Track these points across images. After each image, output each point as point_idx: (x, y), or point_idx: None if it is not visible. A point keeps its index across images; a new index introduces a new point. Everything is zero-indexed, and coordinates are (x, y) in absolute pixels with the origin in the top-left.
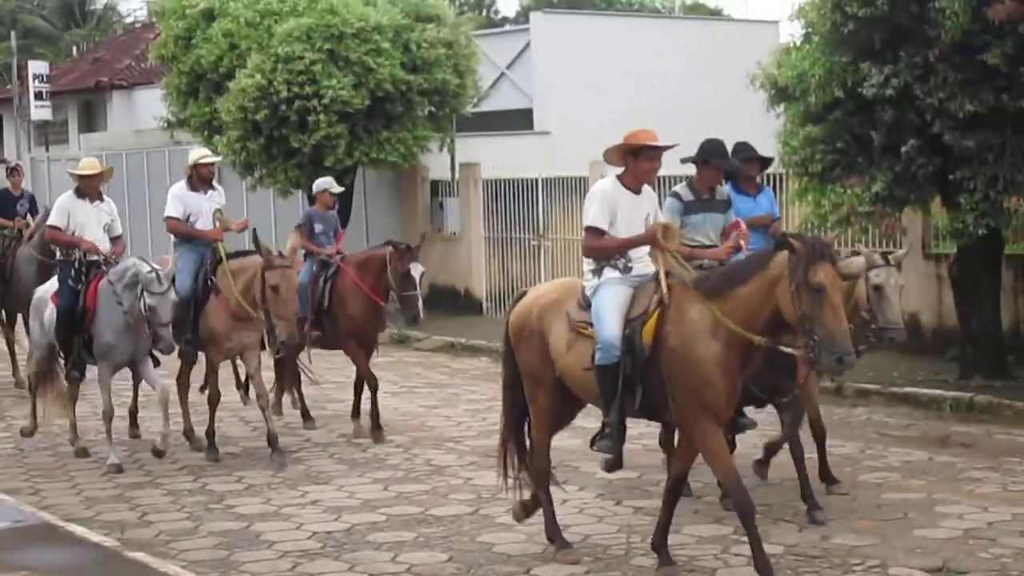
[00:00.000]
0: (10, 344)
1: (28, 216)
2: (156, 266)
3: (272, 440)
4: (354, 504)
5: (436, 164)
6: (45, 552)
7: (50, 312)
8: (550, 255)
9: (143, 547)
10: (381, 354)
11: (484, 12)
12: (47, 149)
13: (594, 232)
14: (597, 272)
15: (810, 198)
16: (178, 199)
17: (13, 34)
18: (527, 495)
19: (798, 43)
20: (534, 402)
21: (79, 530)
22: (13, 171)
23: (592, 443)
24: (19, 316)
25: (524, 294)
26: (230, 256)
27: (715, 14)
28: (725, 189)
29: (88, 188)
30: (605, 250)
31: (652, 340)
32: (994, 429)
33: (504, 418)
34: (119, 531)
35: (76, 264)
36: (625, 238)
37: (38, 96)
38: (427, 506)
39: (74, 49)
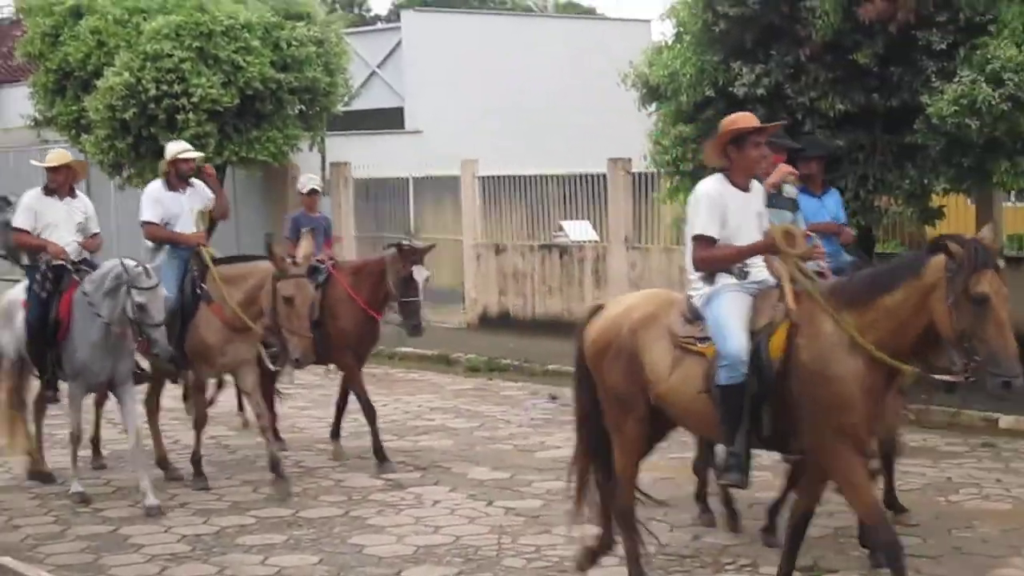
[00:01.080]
0: None
1: None
2: (141, 262)
3: (275, 464)
4: (223, 507)
5: (307, 163)
6: None
7: (21, 318)
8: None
9: (9, 551)
10: None
11: (355, 10)
12: None
13: (705, 241)
14: (709, 278)
15: (682, 197)
16: (155, 201)
17: None
18: (593, 538)
19: (670, 42)
20: (620, 431)
21: None
22: None
23: (716, 476)
24: None
25: (601, 307)
26: (221, 261)
27: (588, 12)
28: (792, 188)
29: (57, 183)
30: (721, 261)
31: (781, 356)
32: None
33: (580, 452)
34: None
35: (44, 269)
36: (743, 247)
37: None
38: (297, 508)
39: None
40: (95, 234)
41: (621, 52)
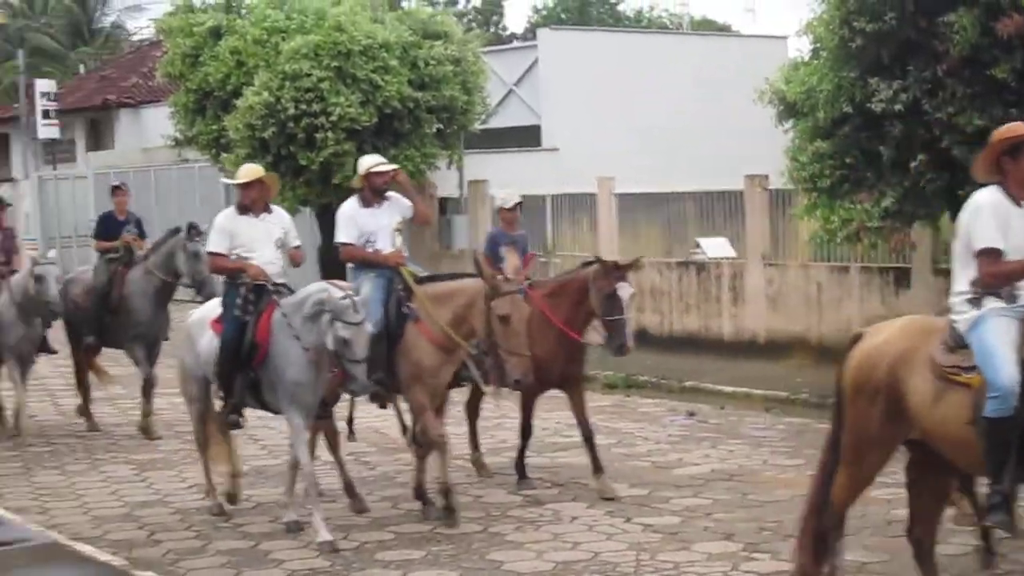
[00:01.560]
0: (95, 373)
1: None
2: (349, 291)
3: (447, 492)
4: (363, 522)
5: (444, 181)
6: (53, 571)
7: (208, 340)
8: (559, 271)
9: (151, 566)
10: None
11: (492, 29)
12: (54, 167)
13: (993, 255)
14: (975, 302)
15: (819, 214)
16: (350, 220)
17: (21, 53)
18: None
19: (806, 58)
20: (858, 464)
21: (87, 549)
22: (116, 190)
23: (978, 516)
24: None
25: (860, 336)
26: (424, 280)
27: (723, 30)
28: None
29: (250, 199)
30: (1011, 275)
31: None
32: None
33: (819, 478)
34: (127, 550)
35: (244, 291)
36: None
37: (45, 114)
38: (436, 524)
39: (81, 67)
40: (297, 247)
41: (757, 69)
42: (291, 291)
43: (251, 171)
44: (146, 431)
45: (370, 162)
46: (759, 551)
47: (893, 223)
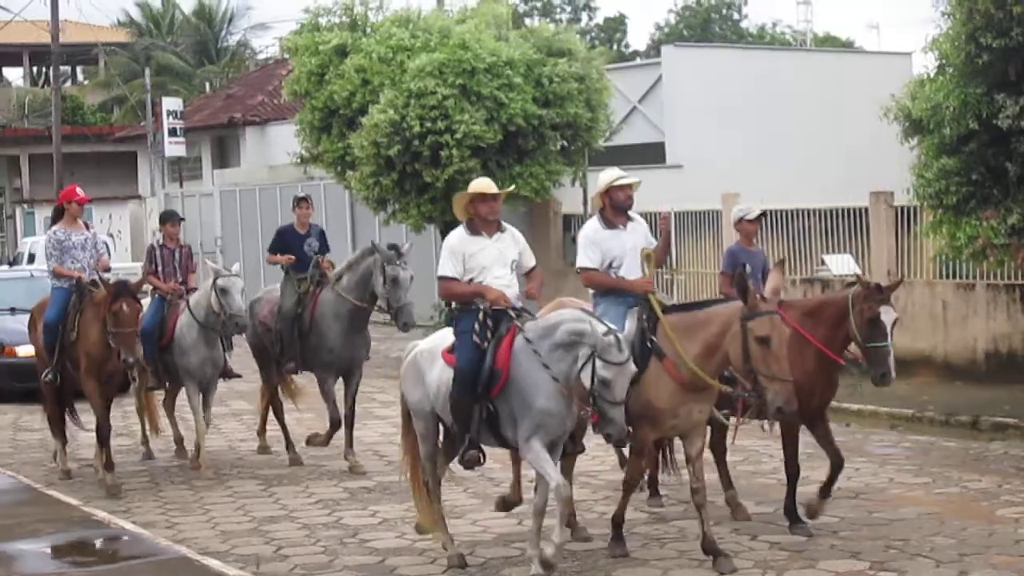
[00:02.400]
0: (278, 414)
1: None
2: (613, 327)
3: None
4: (488, 538)
5: (568, 198)
6: None
7: (439, 372)
8: (683, 289)
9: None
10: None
11: (615, 46)
12: (181, 185)
13: None
14: None
15: (945, 231)
16: (592, 243)
17: (147, 71)
18: None
19: (932, 75)
20: None
21: (215, 564)
22: (301, 201)
23: None
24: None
25: None
26: (672, 309)
27: (846, 46)
28: None
29: (482, 216)
30: None
31: None
32: None
33: None
34: (255, 565)
35: (481, 316)
36: None
37: (172, 132)
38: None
39: (207, 86)
40: (532, 268)
41: (881, 86)
42: (532, 316)
43: (487, 184)
44: (353, 467)
45: (610, 176)
46: (885, 569)
47: (1019, 240)
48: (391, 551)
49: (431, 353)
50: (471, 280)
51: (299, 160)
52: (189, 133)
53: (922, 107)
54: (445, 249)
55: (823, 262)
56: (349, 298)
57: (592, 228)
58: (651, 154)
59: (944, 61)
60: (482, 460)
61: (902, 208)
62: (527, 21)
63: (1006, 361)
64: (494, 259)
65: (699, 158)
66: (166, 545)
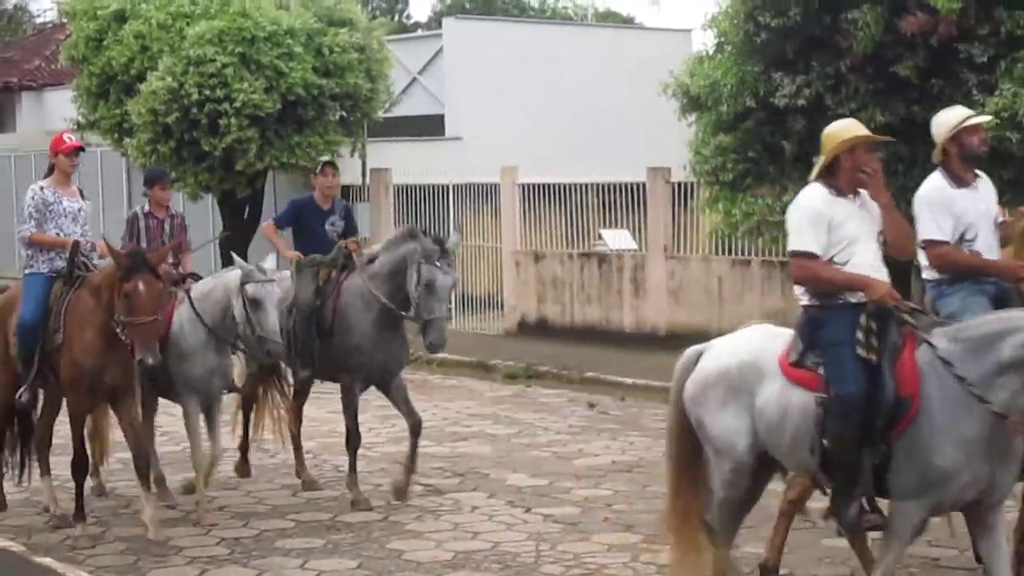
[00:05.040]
0: (294, 438)
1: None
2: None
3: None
4: (263, 510)
5: (347, 169)
6: None
7: (780, 393)
8: (460, 261)
9: (49, 552)
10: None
11: (396, 17)
12: None
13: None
14: None
15: (721, 207)
16: (942, 206)
17: None
18: None
19: (711, 52)
20: None
21: None
22: (326, 166)
23: None
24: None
25: None
26: None
27: (627, 22)
28: None
29: (863, 165)
30: None
31: None
32: None
33: None
34: (26, 536)
35: (863, 319)
36: None
37: None
38: (336, 512)
39: None
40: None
41: (661, 62)
42: (923, 313)
43: (854, 126)
44: (399, 492)
45: (958, 115)
46: (659, 542)
47: None
48: (165, 522)
49: (752, 366)
50: (831, 260)
51: (76, 126)
52: None
53: (700, 84)
54: (800, 212)
55: (600, 236)
56: (376, 292)
57: (937, 186)
58: (431, 126)
59: (723, 39)
60: (880, 525)
61: (679, 184)
62: None
63: None
64: (864, 232)
65: (479, 131)
66: None
